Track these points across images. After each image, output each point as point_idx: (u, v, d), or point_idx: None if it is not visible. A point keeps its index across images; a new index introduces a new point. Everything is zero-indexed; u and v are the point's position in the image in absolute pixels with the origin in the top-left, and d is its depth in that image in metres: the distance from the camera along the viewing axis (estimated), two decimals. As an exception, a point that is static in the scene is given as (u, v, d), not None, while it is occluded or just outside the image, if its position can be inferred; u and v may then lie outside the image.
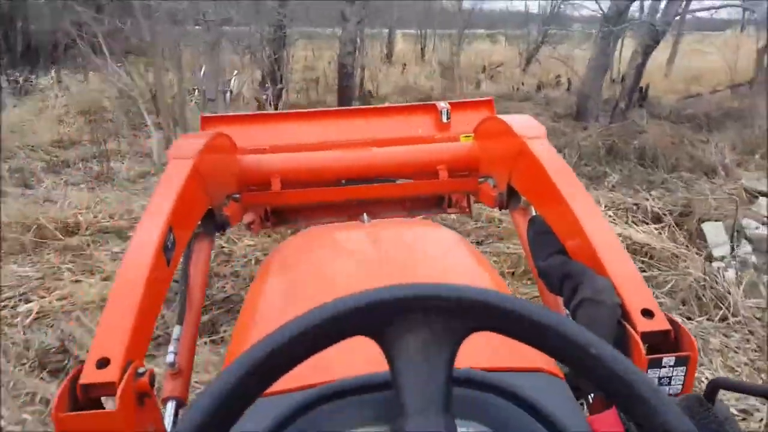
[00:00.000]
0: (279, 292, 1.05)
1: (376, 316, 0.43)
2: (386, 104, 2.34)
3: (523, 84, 9.68)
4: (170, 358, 1.09)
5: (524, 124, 1.41)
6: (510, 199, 1.54)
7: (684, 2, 6.04)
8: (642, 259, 3.20)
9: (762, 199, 3.61)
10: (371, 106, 2.26)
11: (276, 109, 7.47)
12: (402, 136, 1.92)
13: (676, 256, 3.16)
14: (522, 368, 0.71)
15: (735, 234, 3.41)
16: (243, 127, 1.90)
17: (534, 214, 1.43)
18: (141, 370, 0.78)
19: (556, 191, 1.14)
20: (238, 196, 1.65)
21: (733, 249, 3.34)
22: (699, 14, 8.03)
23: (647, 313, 0.89)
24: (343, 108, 2.30)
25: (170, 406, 1.03)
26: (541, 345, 0.45)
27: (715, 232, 3.48)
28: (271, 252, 1.35)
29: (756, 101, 7.70)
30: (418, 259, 1.17)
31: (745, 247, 3.31)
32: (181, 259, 1.22)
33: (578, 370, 0.44)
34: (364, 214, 1.38)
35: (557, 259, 1.12)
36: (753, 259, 3.24)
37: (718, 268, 3.25)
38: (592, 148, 5.71)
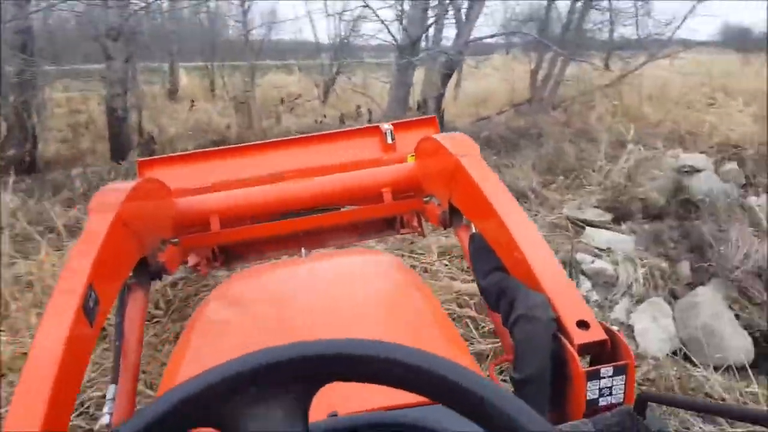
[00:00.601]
0: (205, 344, 1.05)
1: (211, 400, 0.41)
2: (332, 130, 2.27)
3: (325, 116, 9.27)
4: (105, 419, 1.03)
5: (458, 142, 1.41)
6: (452, 217, 1.54)
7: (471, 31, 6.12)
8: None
9: (589, 230, 3.53)
10: (315, 134, 2.16)
11: (30, 165, 6.12)
12: (346, 161, 1.89)
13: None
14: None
15: (572, 271, 3.22)
16: (181, 167, 1.86)
17: (474, 231, 1.42)
18: None
19: (490, 208, 1.15)
20: (176, 240, 1.59)
21: (574, 289, 3.14)
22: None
23: (583, 325, 0.90)
24: (286, 138, 2.21)
25: None
26: (386, 380, 0.42)
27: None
28: (209, 295, 1.32)
29: (537, 119, 8.30)
30: (348, 297, 1.15)
31: (585, 284, 3.13)
32: (116, 314, 1.23)
33: (428, 394, 0.42)
34: (302, 248, 1.44)
35: (496, 276, 1.13)
36: (595, 296, 3.07)
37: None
38: (407, 182, 5.41)
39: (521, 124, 8.08)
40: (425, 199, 1.74)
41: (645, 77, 9.58)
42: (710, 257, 3.06)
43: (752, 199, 4.05)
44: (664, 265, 3.18)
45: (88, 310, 0.94)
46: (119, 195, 1.22)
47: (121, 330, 1.19)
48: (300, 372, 0.41)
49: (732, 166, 4.86)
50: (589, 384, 0.83)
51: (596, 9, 9.27)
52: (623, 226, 3.58)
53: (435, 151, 1.51)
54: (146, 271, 1.35)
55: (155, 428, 0.38)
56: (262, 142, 2.07)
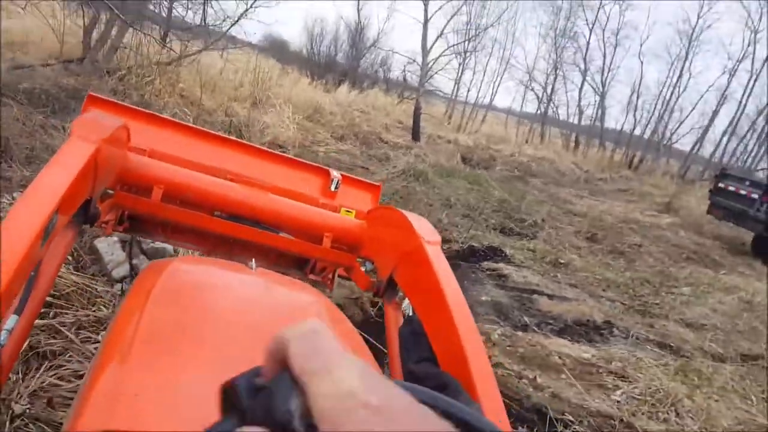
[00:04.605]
0: (151, 333, 0.91)
1: None
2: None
3: None
4: None
5: (423, 226, 1.45)
6: (387, 289, 1.55)
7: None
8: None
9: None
10: (268, 150, 2.10)
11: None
12: (285, 187, 1.91)
13: (82, 291, 2.79)
14: None
15: (131, 248, 3.32)
16: (131, 121, 1.70)
17: (411, 313, 1.43)
18: None
19: (443, 303, 1.17)
20: (111, 192, 1.56)
21: (132, 267, 3.25)
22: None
23: None
24: (237, 139, 2.05)
25: None
26: None
27: (110, 250, 3.28)
28: (145, 270, 1.18)
29: (91, 82, 7.76)
30: (275, 324, 1.01)
31: (145, 262, 3.28)
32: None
33: None
34: (252, 260, 1.36)
35: (429, 367, 1.13)
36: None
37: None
38: None
39: (73, 83, 7.40)
40: (358, 260, 1.78)
41: (202, 65, 10.20)
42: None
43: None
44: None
45: (47, 232, 0.92)
46: (106, 129, 1.20)
47: (39, 261, 1.13)
48: None
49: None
50: None
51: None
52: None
53: (397, 224, 1.51)
54: (83, 213, 1.29)
55: None
56: (216, 132, 2.06)
